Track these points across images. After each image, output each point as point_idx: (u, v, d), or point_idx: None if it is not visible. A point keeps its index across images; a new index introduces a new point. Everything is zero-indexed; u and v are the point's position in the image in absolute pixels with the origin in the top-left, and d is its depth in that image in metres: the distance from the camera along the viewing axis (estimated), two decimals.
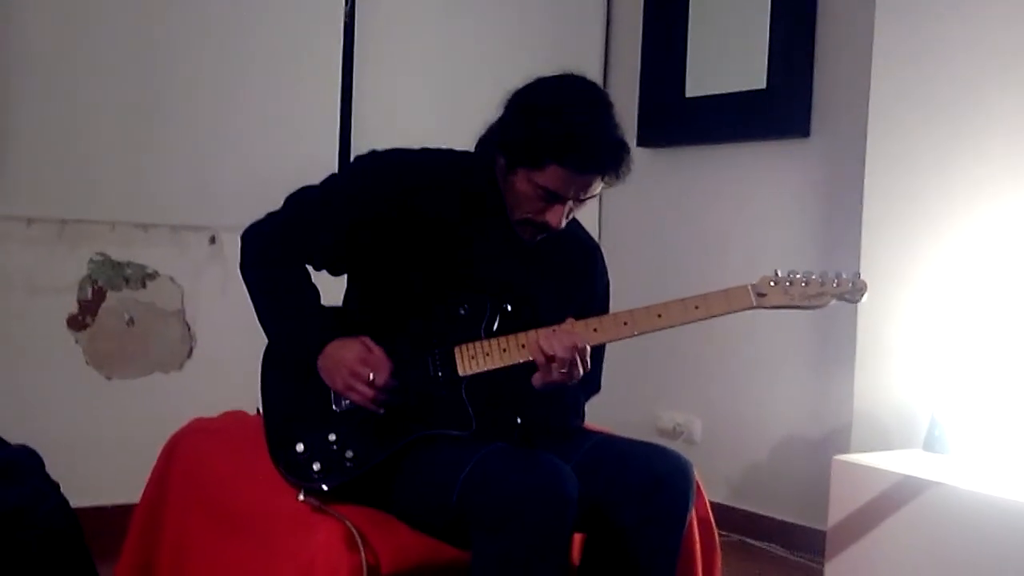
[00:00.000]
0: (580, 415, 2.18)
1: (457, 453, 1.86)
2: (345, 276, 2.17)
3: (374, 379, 1.93)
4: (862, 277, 1.96)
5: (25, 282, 3.08)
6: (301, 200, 2.10)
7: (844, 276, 1.96)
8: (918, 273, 2.90)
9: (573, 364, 1.91)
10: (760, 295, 1.95)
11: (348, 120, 3.53)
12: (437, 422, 1.95)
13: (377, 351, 1.97)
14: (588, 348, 1.93)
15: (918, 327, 2.89)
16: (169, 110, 3.24)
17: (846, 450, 2.98)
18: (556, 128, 1.90)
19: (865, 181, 3.05)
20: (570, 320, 1.96)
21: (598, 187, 1.96)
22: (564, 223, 1.99)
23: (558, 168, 1.91)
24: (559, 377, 1.92)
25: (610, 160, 1.93)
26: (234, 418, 2.40)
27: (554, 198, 1.95)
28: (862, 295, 1.96)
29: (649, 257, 3.91)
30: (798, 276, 1.95)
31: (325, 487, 1.94)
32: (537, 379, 1.94)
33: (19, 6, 3.00)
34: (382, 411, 1.96)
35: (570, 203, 1.96)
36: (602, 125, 1.93)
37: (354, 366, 1.94)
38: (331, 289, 2.16)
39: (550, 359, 1.90)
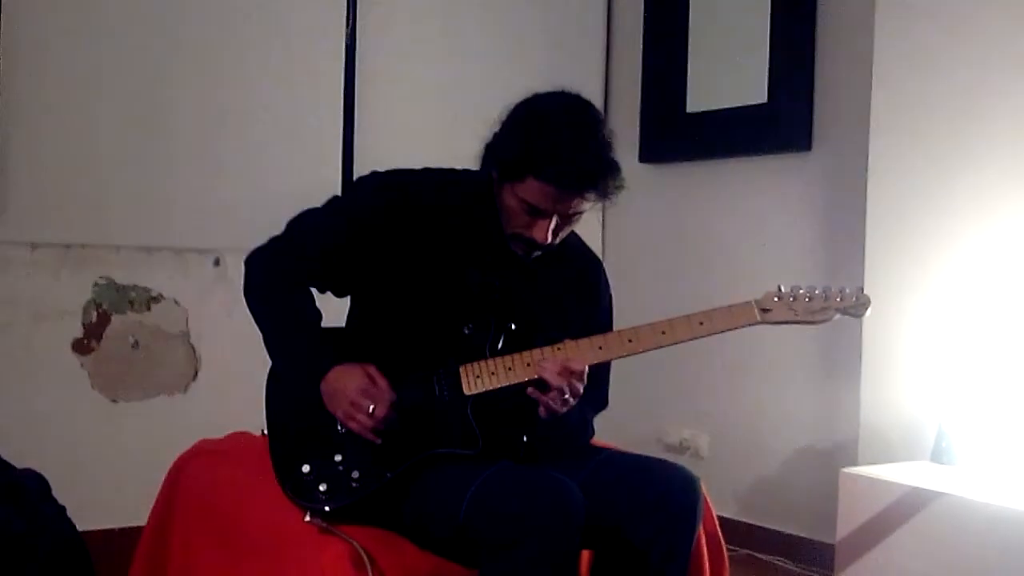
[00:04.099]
0: (588, 432, 2.17)
1: (463, 472, 1.86)
2: (349, 297, 2.17)
3: (374, 411, 1.93)
4: (865, 291, 1.97)
5: (30, 307, 3.08)
6: (303, 223, 2.10)
7: (847, 291, 1.96)
8: (923, 284, 2.89)
9: (574, 392, 1.91)
10: (764, 311, 1.95)
11: (351, 141, 3.53)
12: (443, 441, 1.95)
13: (382, 383, 1.97)
14: (586, 369, 1.92)
15: (924, 338, 2.89)
16: (172, 133, 3.25)
17: (854, 463, 2.96)
18: (538, 143, 1.90)
19: (867, 194, 3.05)
20: (567, 341, 1.96)
21: (583, 204, 1.95)
22: (551, 239, 1.97)
23: (536, 182, 1.90)
24: (560, 406, 1.92)
25: (588, 178, 1.91)
26: (240, 440, 2.40)
27: (537, 213, 1.94)
28: (865, 309, 1.97)
29: (652, 272, 3.90)
30: (802, 291, 1.95)
31: (330, 508, 1.93)
32: (542, 411, 1.94)
33: (23, 29, 3.02)
34: (379, 441, 1.96)
35: (556, 219, 1.95)
36: (584, 143, 1.91)
37: (355, 397, 1.94)
38: (335, 309, 2.16)
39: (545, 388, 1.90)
